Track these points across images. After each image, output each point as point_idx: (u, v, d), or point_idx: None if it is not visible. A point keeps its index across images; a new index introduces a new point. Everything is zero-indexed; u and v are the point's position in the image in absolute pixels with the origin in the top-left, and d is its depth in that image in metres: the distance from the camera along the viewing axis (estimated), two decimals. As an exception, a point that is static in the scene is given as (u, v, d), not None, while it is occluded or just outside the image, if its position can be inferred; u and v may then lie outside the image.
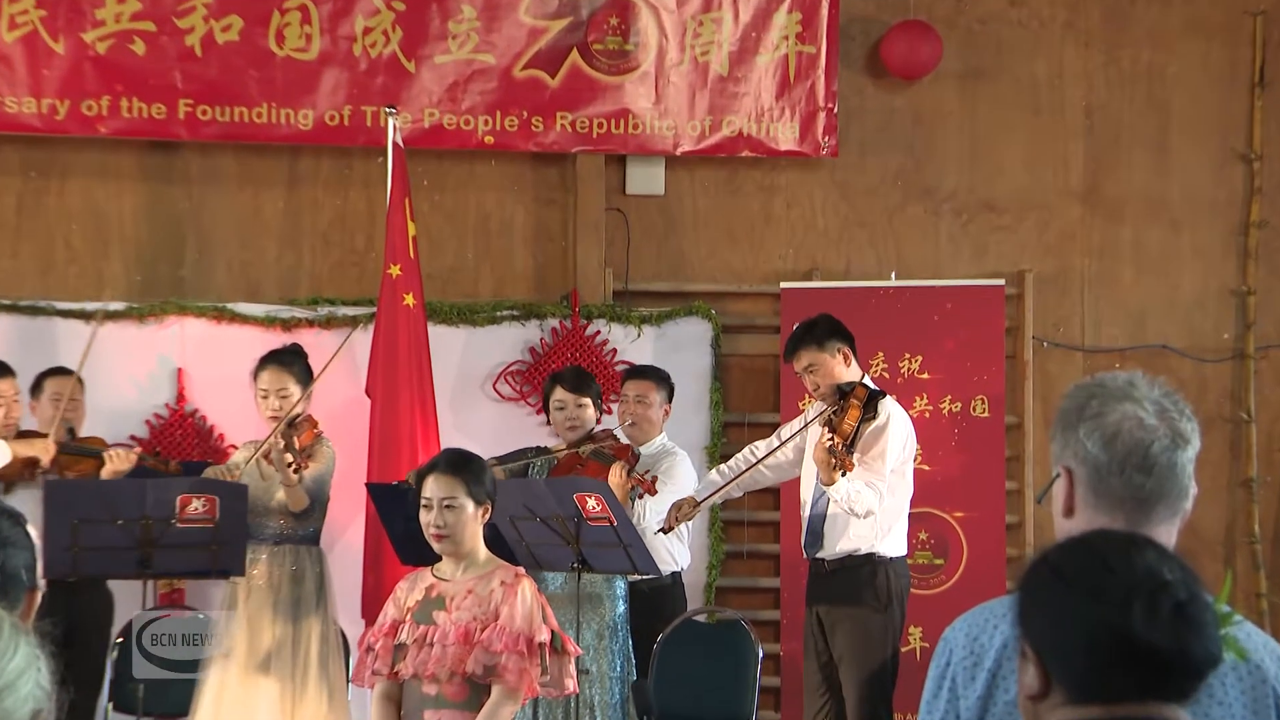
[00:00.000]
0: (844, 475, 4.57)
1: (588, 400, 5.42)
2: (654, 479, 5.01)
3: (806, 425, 5.07)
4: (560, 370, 5.59)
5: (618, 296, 6.37)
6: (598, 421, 5.45)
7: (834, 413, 4.77)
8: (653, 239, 6.45)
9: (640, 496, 5.06)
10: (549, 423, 5.63)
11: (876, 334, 6.00)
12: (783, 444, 5.12)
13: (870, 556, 4.86)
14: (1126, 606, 1.61)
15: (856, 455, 4.73)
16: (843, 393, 4.86)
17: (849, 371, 4.96)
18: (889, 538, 4.89)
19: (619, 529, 4.74)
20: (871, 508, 4.71)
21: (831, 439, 4.55)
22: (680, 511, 5.01)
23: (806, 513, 4.94)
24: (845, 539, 4.85)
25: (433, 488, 3.82)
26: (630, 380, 5.50)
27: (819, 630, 4.91)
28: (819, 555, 4.90)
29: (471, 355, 6.23)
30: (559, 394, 5.40)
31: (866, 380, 5.01)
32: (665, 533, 5.04)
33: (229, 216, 6.29)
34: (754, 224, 6.49)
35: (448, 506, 3.77)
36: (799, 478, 5.10)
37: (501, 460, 5.19)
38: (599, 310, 6.30)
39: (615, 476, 5.00)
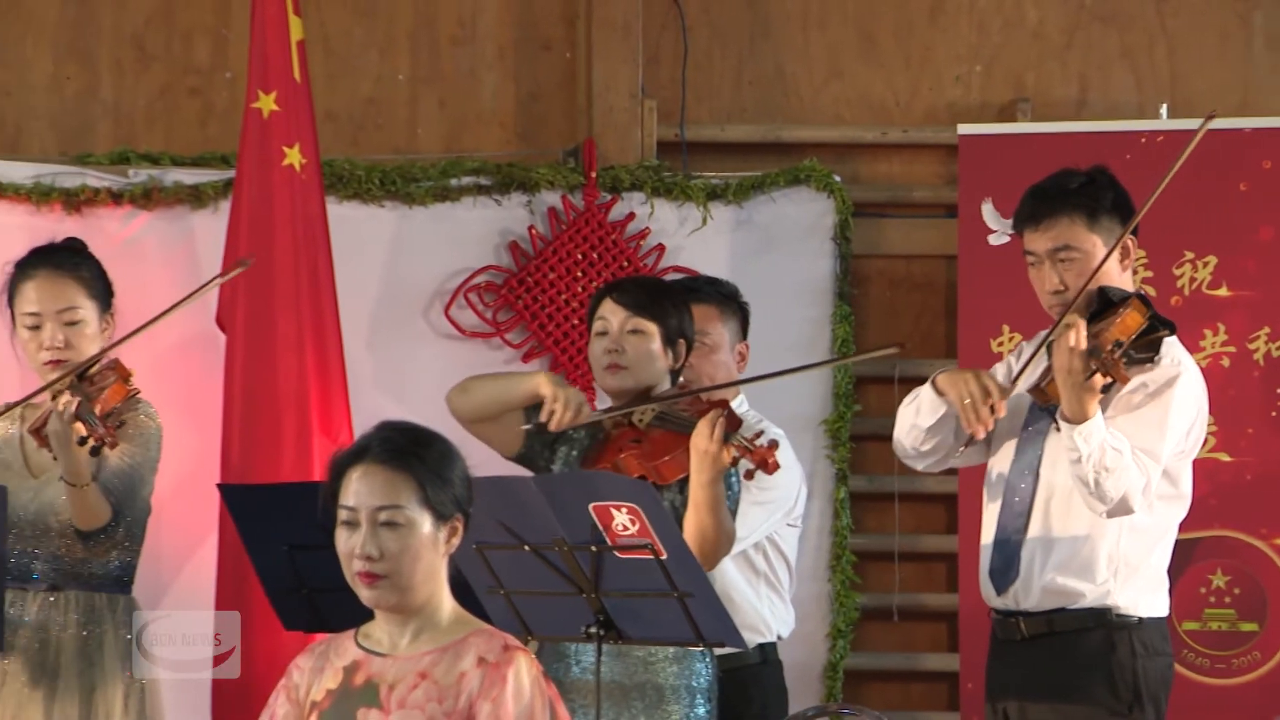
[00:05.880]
0: (1106, 391, 4.73)
1: (651, 327, 5.14)
2: (774, 446, 4.84)
3: (1044, 344, 5.04)
4: (622, 278, 5.72)
5: (665, 152, 6.46)
6: (676, 379, 5.30)
7: (1097, 314, 4.90)
8: (730, 48, 6.57)
9: (749, 473, 4.94)
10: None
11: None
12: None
13: (1103, 615, 4.89)
14: None
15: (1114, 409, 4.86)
16: (1108, 300, 4.96)
17: (1123, 277, 5.06)
18: (1140, 581, 4.93)
19: (670, 566, 4.56)
20: (1131, 495, 4.79)
21: (1092, 341, 4.71)
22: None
23: (995, 512, 5.07)
24: (1062, 571, 4.91)
25: (359, 490, 3.83)
26: None
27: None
28: (1011, 606, 4.98)
29: (409, 258, 6.37)
30: (605, 306, 5.25)
31: (1145, 297, 5.08)
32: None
33: None
34: (911, 20, 6.60)
35: (386, 524, 3.81)
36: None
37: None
38: (632, 177, 6.41)
39: (704, 439, 4.84)
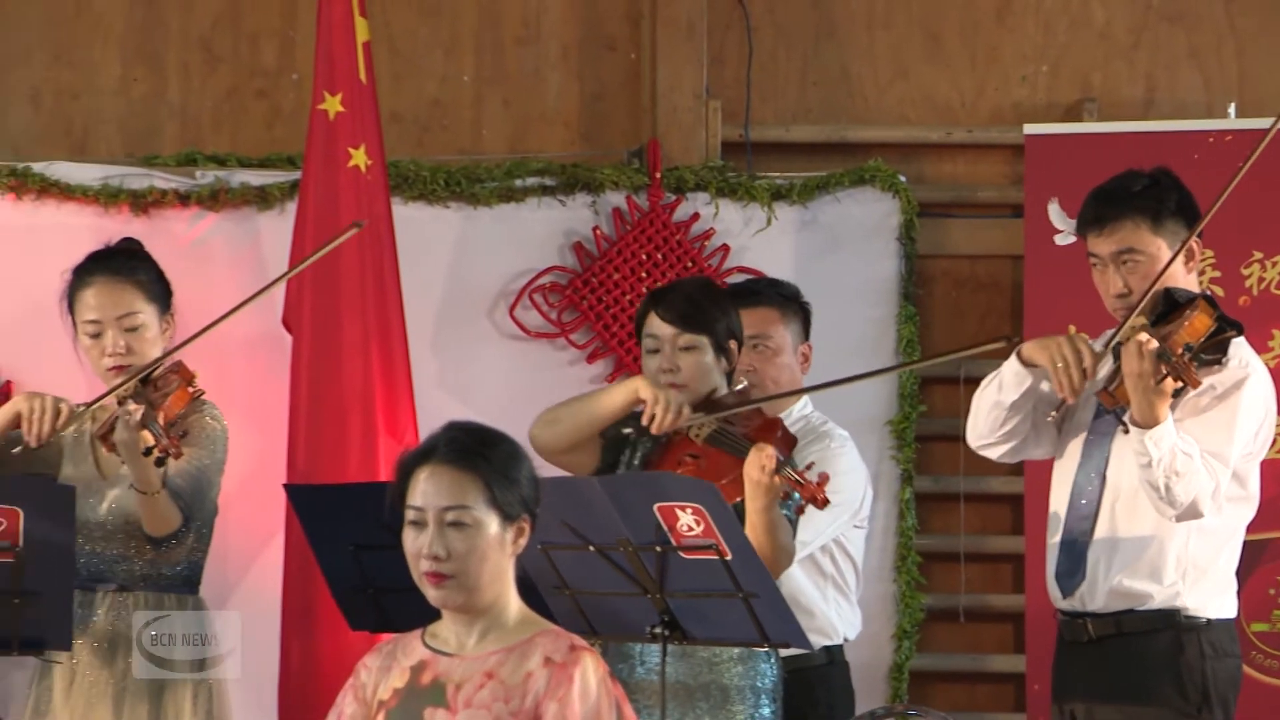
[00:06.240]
0: (1178, 396, 4.74)
1: (701, 340, 5.15)
2: (823, 480, 4.83)
3: (1109, 346, 5.01)
4: (664, 286, 5.65)
5: (730, 152, 6.45)
6: (732, 379, 5.28)
7: (1162, 316, 4.88)
8: (794, 48, 6.56)
9: (800, 508, 4.93)
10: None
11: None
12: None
13: (1172, 616, 4.89)
14: None
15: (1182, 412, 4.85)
16: (1174, 302, 4.94)
17: (1188, 279, 5.04)
18: (1209, 582, 4.93)
19: (735, 566, 4.57)
20: (1200, 500, 4.78)
21: (1162, 345, 4.69)
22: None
23: (1061, 515, 5.06)
24: (1129, 573, 4.91)
25: (427, 491, 3.83)
26: (738, 308, 5.50)
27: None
28: (1078, 608, 4.98)
29: (473, 259, 6.34)
30: (653, 324, 5.15)
31: (1212, 298, 5.05)
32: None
33: (33, 8, 6.48)
34: (977, 20, 6.59)
35: (453, 525, 3.82)
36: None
37: None
38: (697, 177, 6.41)
39: (755, 470, 4.82)
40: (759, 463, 4.82)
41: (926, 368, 6.16)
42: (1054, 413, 4.97)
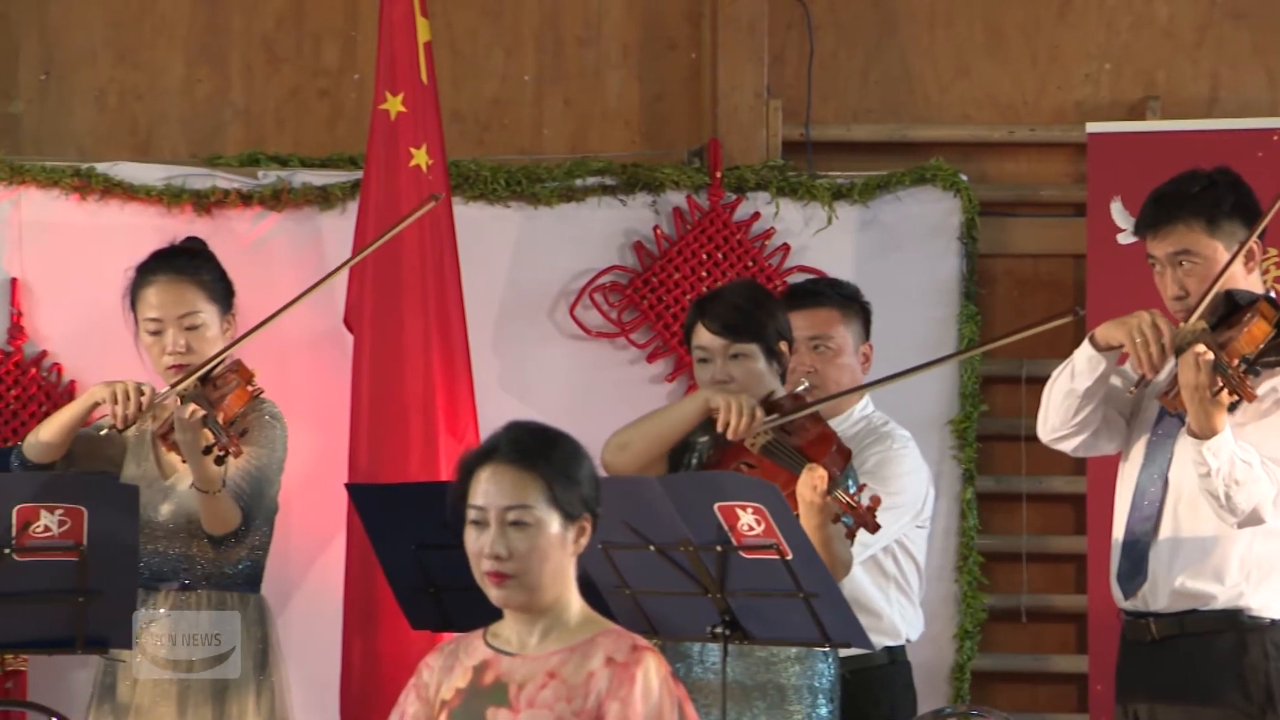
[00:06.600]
0: (1233, 410, 4.70)
1: (751, 348, 5.14)
2: (875, 504, 4.86)
3: (1160, 364, 4.98)
4: (708, 293, 5.54)
5: (790, 151, 6.45)
6: (785, 379, 5.26)
7: (1224, 318, 4.85)
8: (856, 47, 6.58)
9: (850, 532, 4.93)
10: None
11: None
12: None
13: (1236, 617, 4.87)
14: None
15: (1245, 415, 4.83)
16: (1235, 304, 4.92)
17: (1250, 279, 5.01)
18: (1273, 583, 4.90)
19: (796, 566, 4.58)
20: (1262, 507, 4.77)
21: (1218, 357, 4.63)
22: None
23: (1124, 517, 5.05)
24: (1192, 574, 4.89)
25: (488, 490, 3.83)
26: (794, 310, 5.55)
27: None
28: (1141, 608, 4.97)
29: (534, 258, 6.37)
30: (701, 335, 5.13)
31: (1274, 299, 5.04)
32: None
33: (97, 9, 6.48)
34: (1039, 17, 6.58)
35: (515, 524, 3.81)
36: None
37: None
38: (757, 176, 6.41)
39: (808, 490, 4.83)
40: (810, 483, 4.82)
41: (992, 349, 6.02)
42: (1133, 388, 4.97)
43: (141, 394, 5.12)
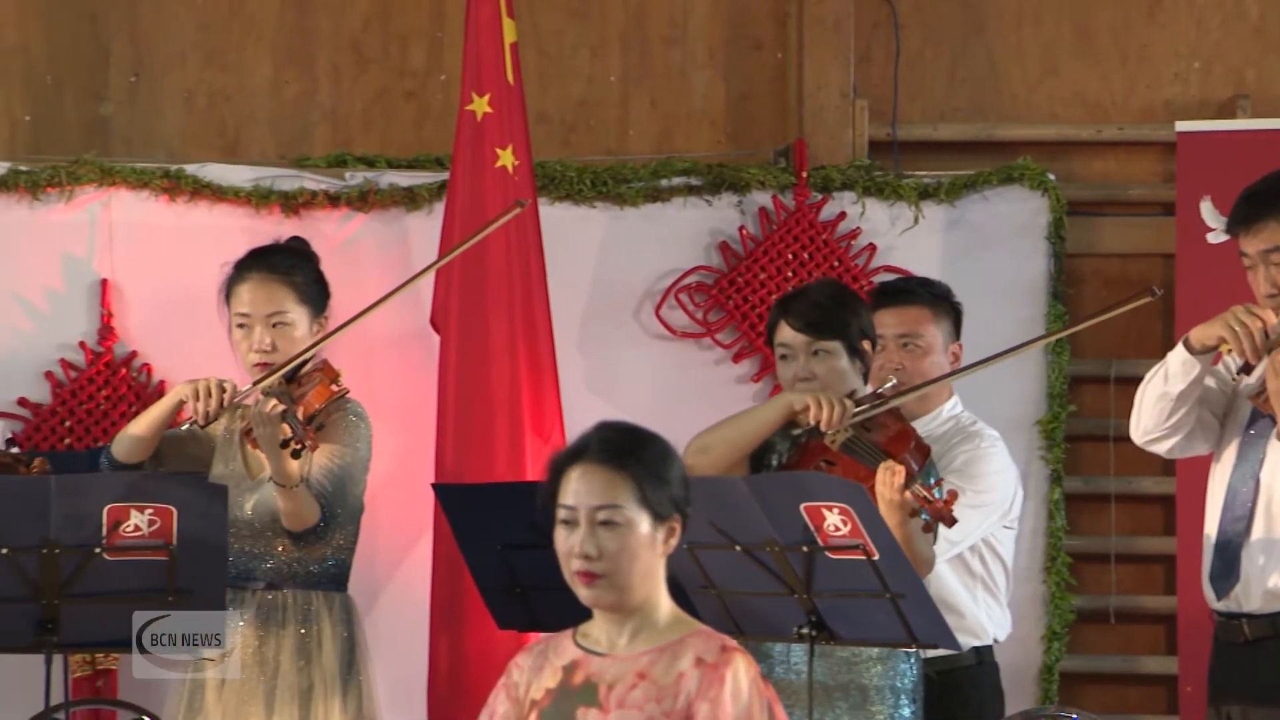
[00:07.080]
0: None
1: (834, 345, 5.15)
2: (952, 499, 4.84)
3: (1263, 350, 4.94)
4: (791, 291, 5.53)
5: (876, 151, 6.47)
6: (868, 378, 5.27)
7: None
8: (942, 46, 6.59)
9: (927, 526, 4.92)
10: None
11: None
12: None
13: None
14: None
15: None
16: None
17: None
18: None
19: (883, 566, 4.58)
20: None
21: None
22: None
23: (1216, 517, 5.04)
24: None
25: (579, 490, 3.83)
26: (885, 307, 5.61)
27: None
28: (1233, 609, 4.98)
29: (619, 259, 6.37)
30: (784, 332, 5.16)
31: None
32: None
33: (186, 11, 6.49)
34: (1128, 16, 6.58)
35: (605, 524, 3.81)
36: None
37: None
38: (843, 176, 6.41)
39: (885, 487, 4.83)
40: (886, 479, 4.81)
41: (1076, 332, 5.97)
42: (1236, 375, 4.95)
43: (223, 390, 5.16)
